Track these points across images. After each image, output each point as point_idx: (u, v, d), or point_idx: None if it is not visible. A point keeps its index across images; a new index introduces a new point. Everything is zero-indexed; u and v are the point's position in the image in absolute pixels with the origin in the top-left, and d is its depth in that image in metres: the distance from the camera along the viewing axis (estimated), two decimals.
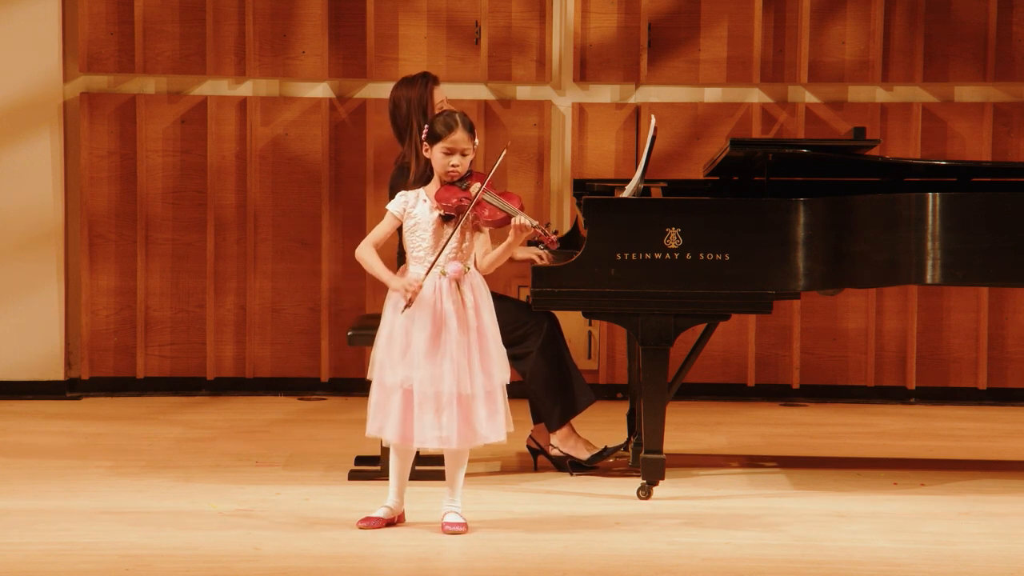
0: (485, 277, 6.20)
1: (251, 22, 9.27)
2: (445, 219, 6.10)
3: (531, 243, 7.48)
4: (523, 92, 9.39)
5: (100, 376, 9.32)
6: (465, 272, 6.12)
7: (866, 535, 6.14)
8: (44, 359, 9.26)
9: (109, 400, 9.22)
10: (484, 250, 6.15)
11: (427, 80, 7.14)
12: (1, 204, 9.19)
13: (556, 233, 6.24)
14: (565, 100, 9.39)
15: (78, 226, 9.27)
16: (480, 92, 9.30)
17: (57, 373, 9.26)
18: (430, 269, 6.06)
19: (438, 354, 6.06)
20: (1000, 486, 7.03)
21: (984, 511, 6.56)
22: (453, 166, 6.12)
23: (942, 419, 8.94)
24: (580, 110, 9.37)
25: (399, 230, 6.23)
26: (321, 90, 9.35)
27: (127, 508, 6.45)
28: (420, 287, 6.03)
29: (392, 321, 6.11)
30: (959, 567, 5.73)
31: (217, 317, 9.35)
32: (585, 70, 9.36)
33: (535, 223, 6.09)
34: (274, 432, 8.27)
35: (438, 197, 6.10)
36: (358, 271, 9.23)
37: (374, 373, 6.13)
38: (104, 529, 6.09)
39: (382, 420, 6.10)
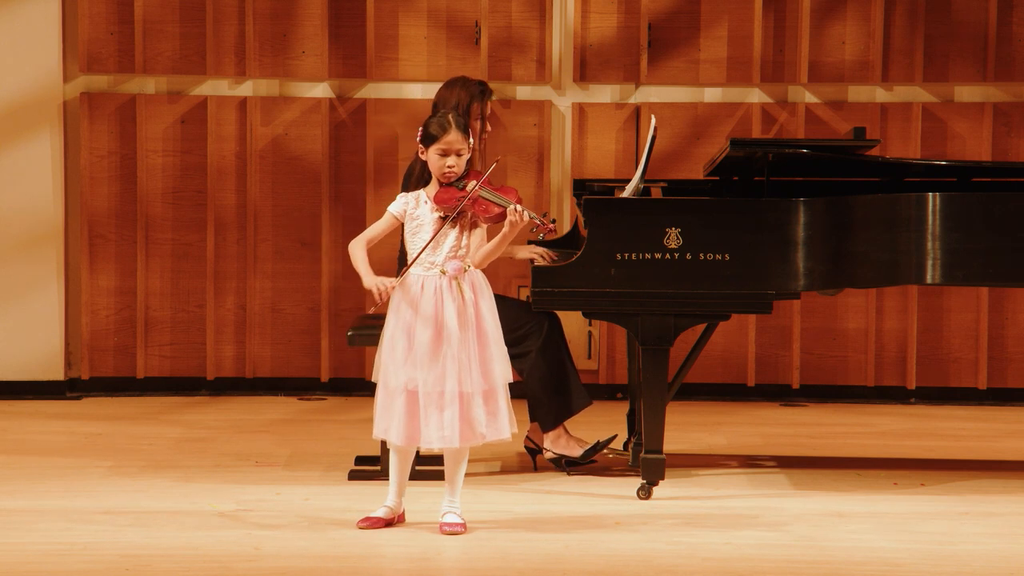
0: (486, 278, 6.20)
1: (251, 22, 9.26)
2: (445, 219, 6.10)
3: (531, 242, 7.49)
4: (523, 92, 9.39)
5: (100, 376, 9.32)
6: (465, 271, 6.11)
7: (866, 535, 6.14)
8: (44, 359, 9.26)
9: (109, 400, 9.22)
10: (479, 244, 6.14)
11: (484, 90, 7.12)
12: (1, 204, 9.19)
13: (554, 222, 6.23)
14: (565, 100, 9.39)
15: (78, 226, 9.26)
16: None
17: (57, 373, 9.26)
18: (408, 267, 6.06)
19: (440, 354, 6.05)
20: (1000, 486, 7.03)
21: (984, 511, 6.56)
22: (449, 167, 6.11)
23: (942, 419, 8.94)
24: (580, 110, 9.36)
25: (402, 231, 6.23)
26: (321, 90, 9.34)
27: (127, 508, 6.44)
28: (391, 289, 6.02)
29: (394, 323, 6.11)
30: (959, 567, 5.73)
31: (217, 317, 9.35)
32: (585, 70, 9.36)
33: (532, 214, 6.08)
34: (274, 432, 8.27)
35: (437, 199, 6.10)
36: None
37: (378, 375, 6.13)
38: (104, 529, 6.09)
39: (387, 422, 6.09)
